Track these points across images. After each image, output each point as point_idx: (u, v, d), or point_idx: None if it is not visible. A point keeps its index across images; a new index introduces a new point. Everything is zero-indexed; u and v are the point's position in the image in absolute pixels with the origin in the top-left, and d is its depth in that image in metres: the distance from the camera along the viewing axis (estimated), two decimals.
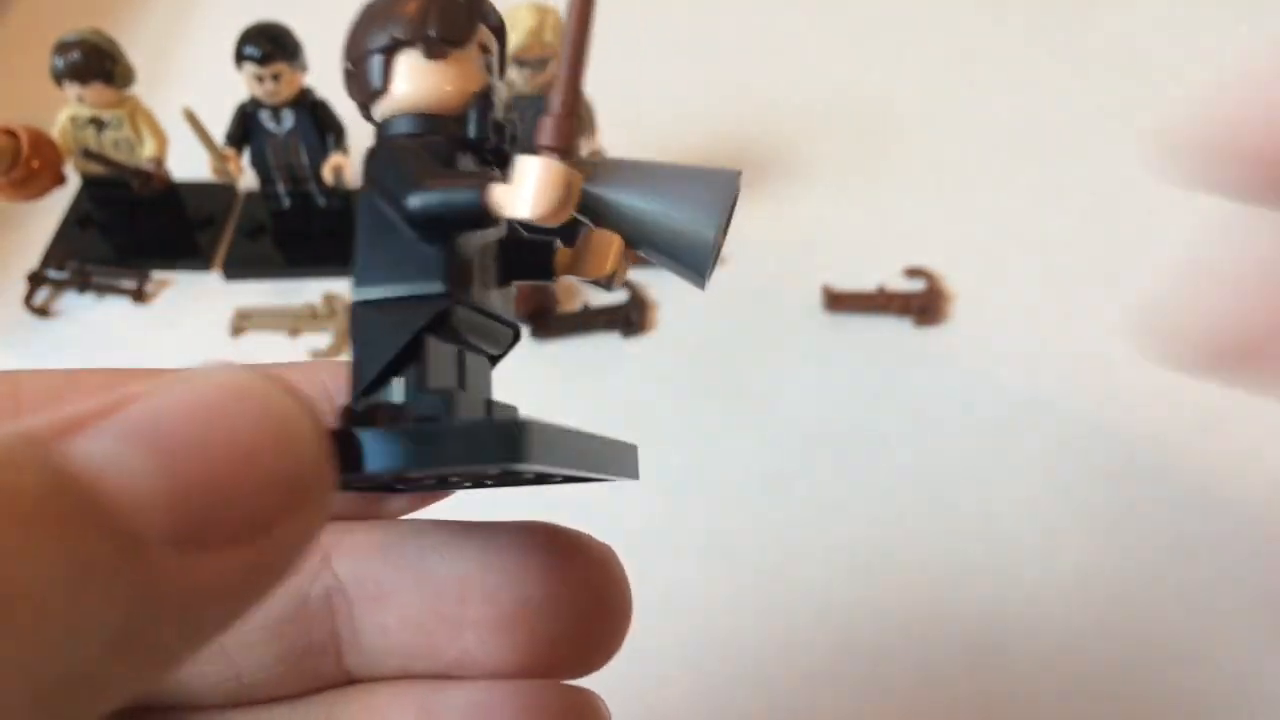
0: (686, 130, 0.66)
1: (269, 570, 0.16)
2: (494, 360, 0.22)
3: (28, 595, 0.13)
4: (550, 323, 0.55)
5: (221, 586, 0.15)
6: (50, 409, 0.16)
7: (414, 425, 0.19)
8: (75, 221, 0.62)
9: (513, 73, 0.54)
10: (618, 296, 0.57)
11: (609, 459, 0.21)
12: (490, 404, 0.20)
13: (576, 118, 0.20)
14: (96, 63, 0.55)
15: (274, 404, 0.16)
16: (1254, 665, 0.42)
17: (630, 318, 0.56)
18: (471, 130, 0.21)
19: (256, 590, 0.16)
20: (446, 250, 0.20)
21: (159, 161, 0.58)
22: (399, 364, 0.20)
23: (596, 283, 0.22)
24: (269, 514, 0.16)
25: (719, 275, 0.59)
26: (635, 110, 0.65)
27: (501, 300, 0.22)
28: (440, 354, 0.20)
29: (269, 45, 0.54)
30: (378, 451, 0.18)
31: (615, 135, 0.59)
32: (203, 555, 0.15)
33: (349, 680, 0.22)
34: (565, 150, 0.20)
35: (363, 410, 0.20)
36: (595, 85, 0.57)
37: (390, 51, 0.22)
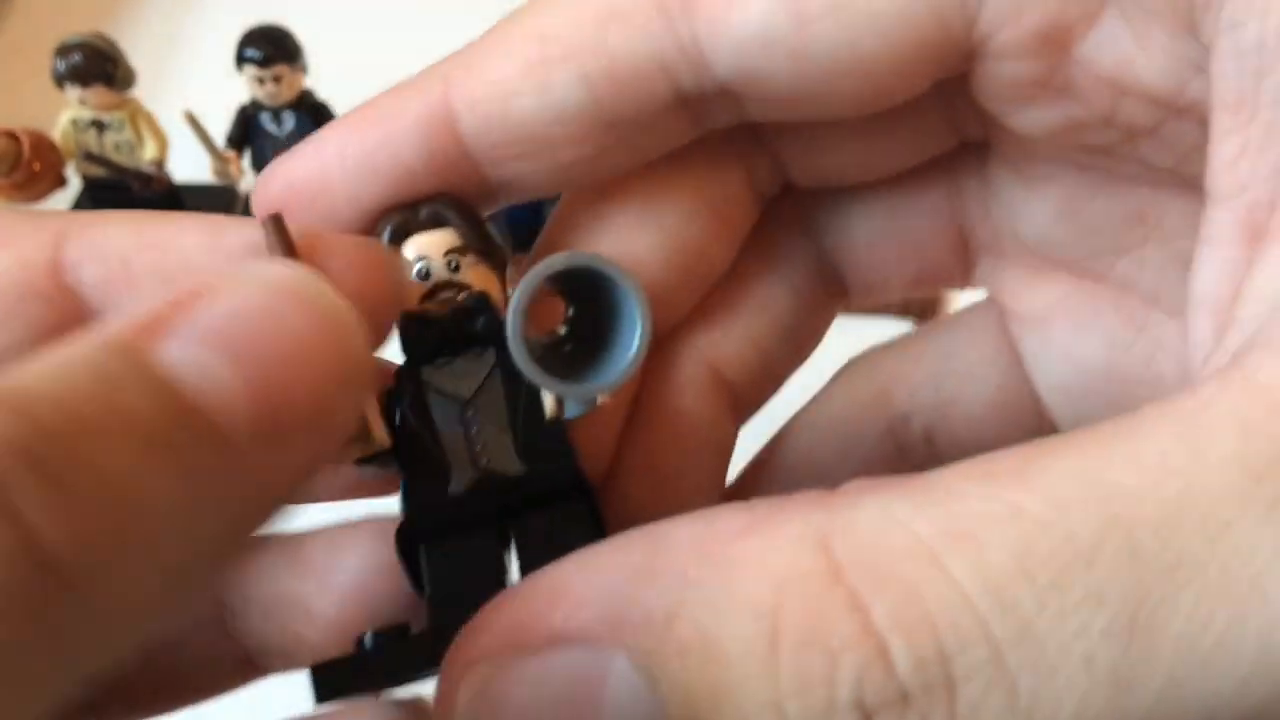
0: None
1: (324, 449, 0.17)
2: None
3: (152, 507, 0.14)
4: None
5: (294, 467, 0.17)
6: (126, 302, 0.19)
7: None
8: None
9: None
10: None
11: None
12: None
13: None
14: (97, 65, 0.55)
15: (324, 304, 0.17)
16: None
17: None
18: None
19: (319, 464, 0.18)
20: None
21: (160, 164, 0.58)
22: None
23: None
24: (329, 401, 0.17)
25: None
26: None
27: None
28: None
29: (269, 47, 0.54)
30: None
31: None
32: (279, 445, 0.16)
33: None
34: None
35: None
36: None
37: None
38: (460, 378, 0.23)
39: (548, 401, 0.22)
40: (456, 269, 0.23)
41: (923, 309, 0.55)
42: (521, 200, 0.24)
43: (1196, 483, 0.16)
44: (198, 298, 0.17)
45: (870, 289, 0.28)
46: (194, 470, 0.15)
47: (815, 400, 0.30)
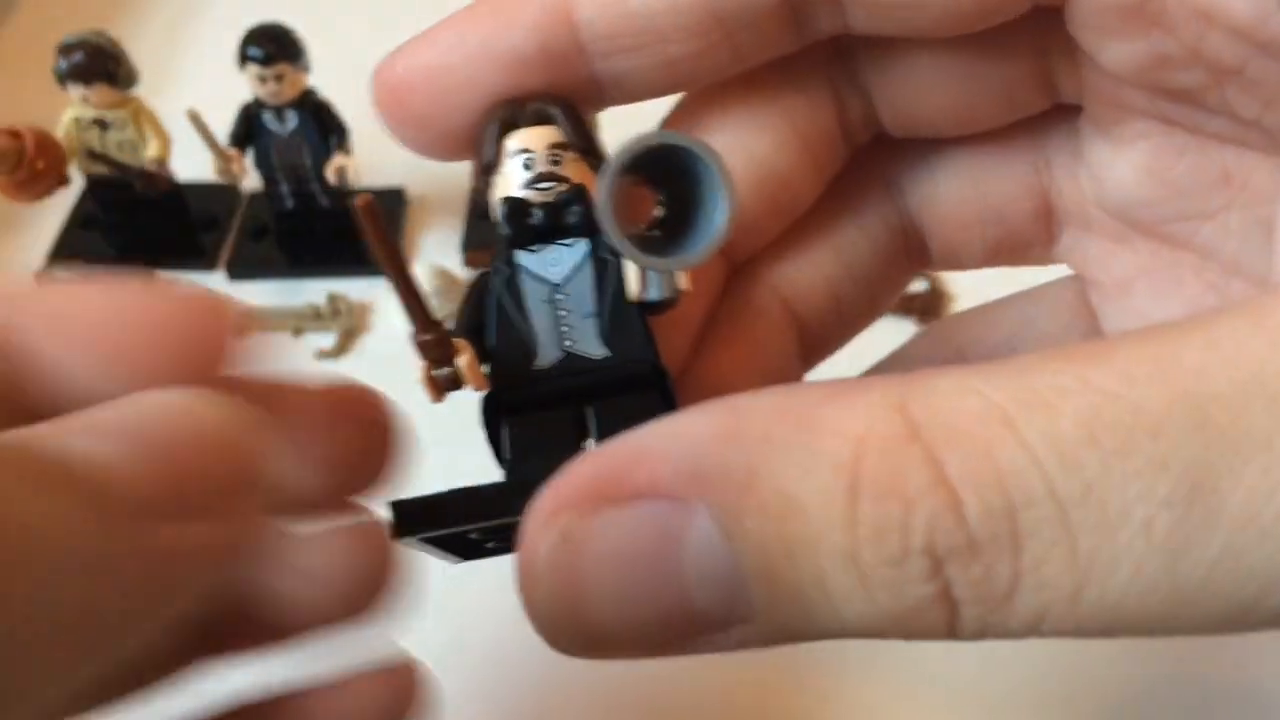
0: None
1: (224, 544, 0.19)
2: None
3: (44, 542, 0.15)
4: None
5: (186, 551, 0.18)
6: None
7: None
8: (79, 222, 0.62)
9: None
10: None
11: None
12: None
13: (433, 332, 0.23)
14: (100, 64, 0.55)
15: (215, 401, 0.19)
16: (1256, 663, 0.42)
17: None
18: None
19: (216, 558, 0.19)
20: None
21: (162, 162, 0.58)
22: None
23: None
24: (222, 490, 0.18)
25: None
26: (642, 110, 0.65)
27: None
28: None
29: (272, 46, 0.54)
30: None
31: (621, 134, 0.59)
32: (170, 524, 0.17)
33: None
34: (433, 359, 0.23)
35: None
36: None
37: None
38: (553, 264, 0.24)
39: (632, 282, 0.23)
40: (558, 163, 0.24)
41: (924, 308, 0.55)
42: (623, 103, 0.25)
43: (1270, 365, 0.16)
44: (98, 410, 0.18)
45: (950, 253, 0.28)
46: (62, 516, 0.16)
47: (890, 357, 0.31)
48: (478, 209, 0.24)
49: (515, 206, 0.24)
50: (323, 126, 0.57)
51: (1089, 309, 0.28)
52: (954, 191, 0.27)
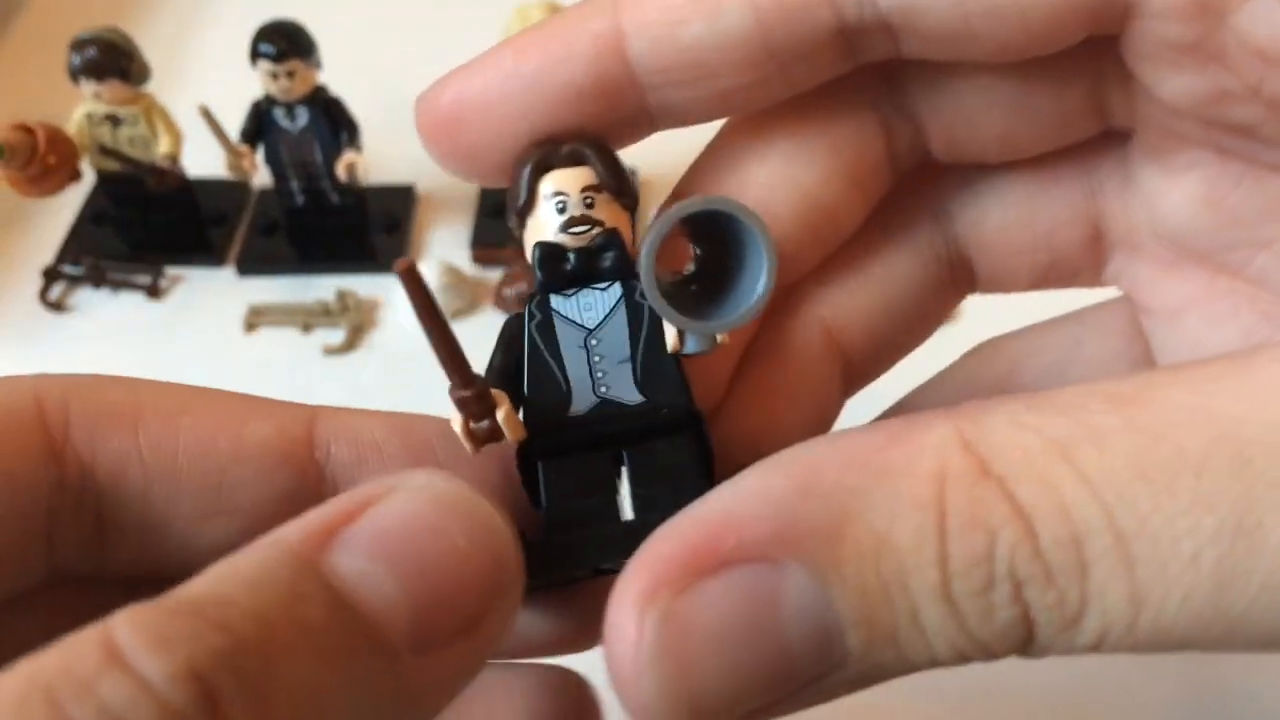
0: (698, 130, 0.66)
1: (481, 654, 0.19)
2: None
3: (329, 710, 0.17)
4: None
5: (448, 674, 0.19)
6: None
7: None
8: (90, 217, 0.62)
9: None
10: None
11: None
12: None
13: (473, 388, 0.22)
14: (113, 60, 0.55)
15: (480, 517, 0.19)
16: (1259, 664, 0.42)
17: None
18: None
19: (473, 670, 0.19)
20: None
21: (174, 158, 0.58)
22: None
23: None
24: (481, 610, 0.19)
25: None
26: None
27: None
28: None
29: (283, 43, 0.54)
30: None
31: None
32: (434, 653, 0.18)
33: None
34: (473, 413, 0.23)
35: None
36: None
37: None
38: (586, 308, 0.24)
39: (670, 335, 0.23)
40: (591, 205, 0.24)
41: None
42: (675, 127, 0.25)
43: None
44: (364, 507, 0.19)
45: (998, 279, 0.28)
46: (363, 677, 0.17)
47: (939, 376, 0.31)
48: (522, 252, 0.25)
49: (550, 251, 0.24)
50: (333, 123, 0.57)
51: (1141, 334, 0.28)
52: (1003, 218, 0.27)
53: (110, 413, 0.24)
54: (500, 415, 0.23)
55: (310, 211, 0.60)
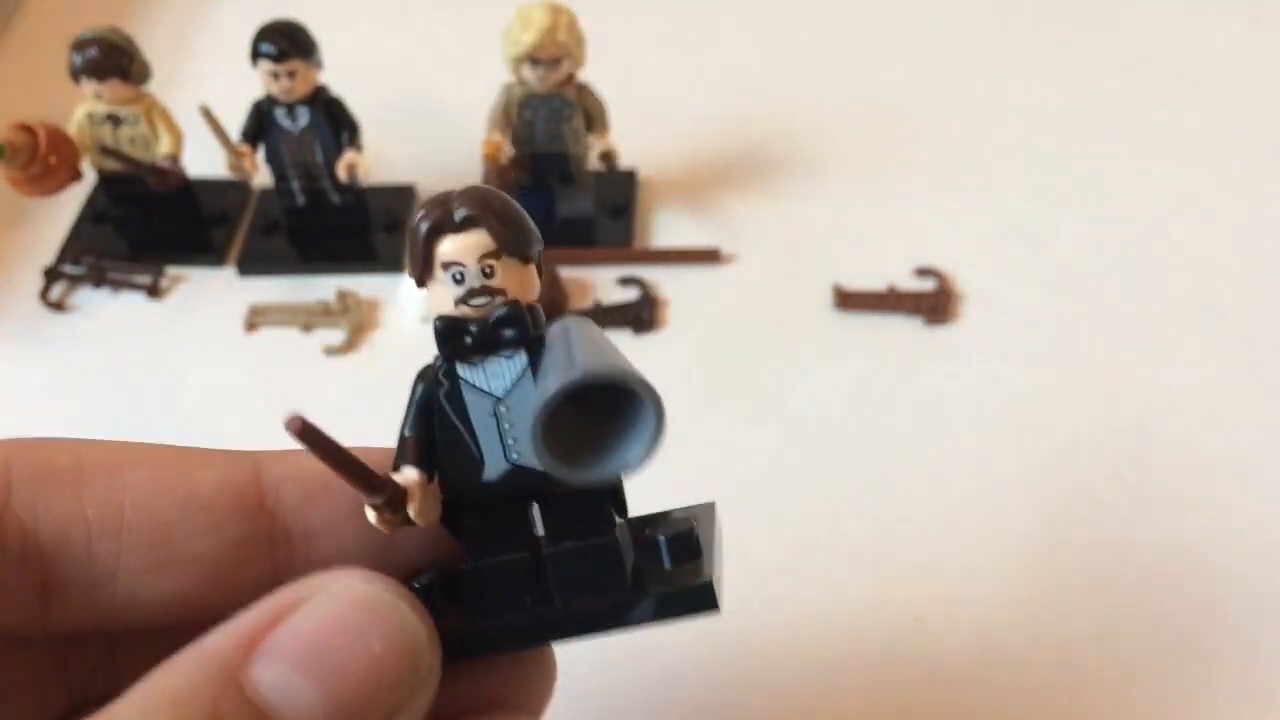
0: (698, 129, 0.67)
1: None
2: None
3: None
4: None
5: None
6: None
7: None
8: (91, 217, 0.62)
9: (526, 72, 0.54)
10: (629, 294, 0.57)
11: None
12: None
13: (384, 494, 0.23)
14: (114, 60, 0.55)
15: (399, 619, 0.21)
16: (1263, 664, 0.42)
17: (641, 315, 0.56)
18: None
19: None
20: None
21: (175, 158, 0.58)
22: None
23: None
24: (396, 708, 0.20)
25: (732, 274, 0.59)
26: (647, 111, 0.66)
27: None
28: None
29: (284, 42, 0.54)
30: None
31: (629, 133, 0.59)
32: None
33: None
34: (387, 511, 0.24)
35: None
36: (608, 84, 0.58)
37: None
38: (494, 375, 0.24)
39: None
40: (490, 274, 0.23)
41: (932, 307, 0.55)
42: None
43: None
44: (286, 613, 0.20)
45: None
46: None
47: None
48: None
49: (450, 326, 0.24)
50: (334, 123, 0.57)
51: None
52: None
53: (52, 473, 0.24)
54: (412, 512, 0.23)
55: (311, 211, 0.60)
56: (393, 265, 0.58)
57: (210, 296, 0.59)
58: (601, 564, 0.25)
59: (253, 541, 0.25)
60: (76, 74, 0.55)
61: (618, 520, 0.25)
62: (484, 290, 0.23)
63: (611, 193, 0.61)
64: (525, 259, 0.24)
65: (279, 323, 0.57)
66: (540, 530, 0.25)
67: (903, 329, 0.55)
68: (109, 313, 0.58)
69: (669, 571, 0.25)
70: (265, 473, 0.26)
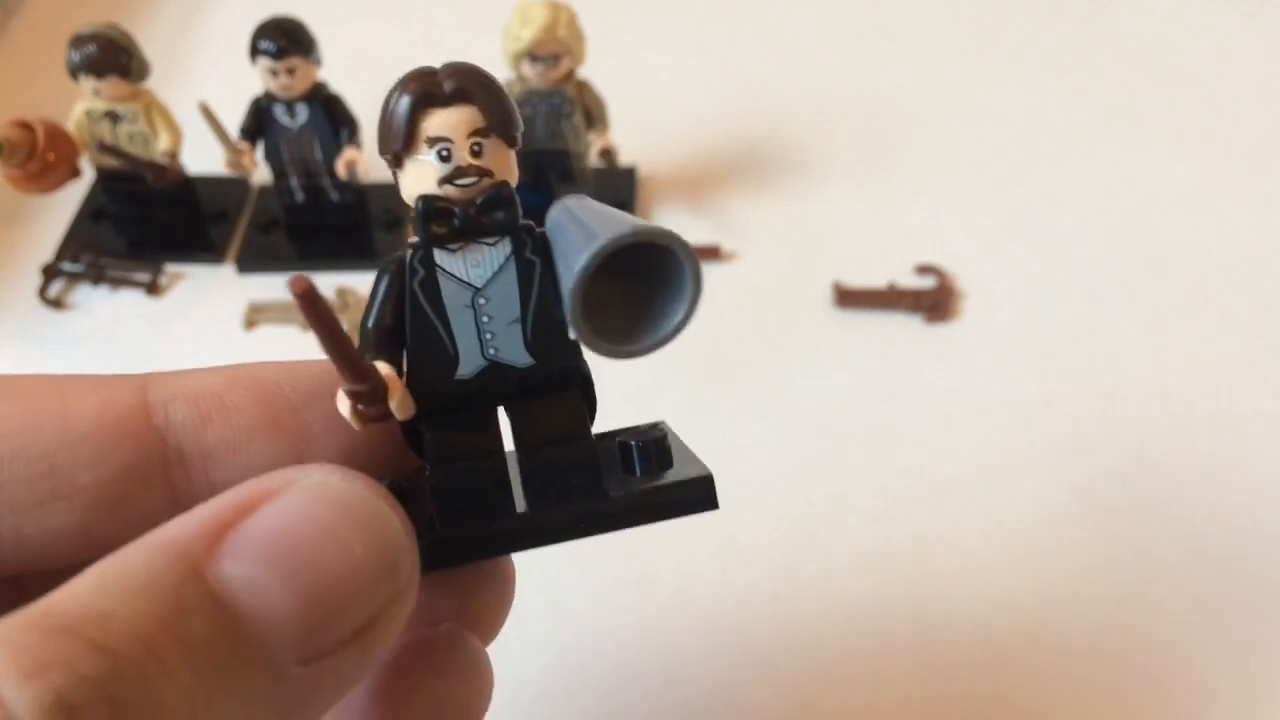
0: (698, 126, 0.66)
1: (370, 659, 0.19)
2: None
3: None
4: None
5: (334, 681, 0.18)
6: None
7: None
8: (90, 214, 0.62)
9: (526, 68, 0.54)
10: None
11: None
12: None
13: (368, 381, 0.21)
14: (112, 57, 0.55)
15: (375, 518, 0.19)
16: (1261, 662, 0.42)
17: None
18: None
19: (360, 676, 0.19)
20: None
21: (174, 155, 0.58)
22: None
23: None
24: (374, 613, 0.19)
25: (732, 271, 0.59)
26: (647, 108, 0.65)
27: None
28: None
29: (283, 40, 0.54)
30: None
31: (628, 133, 0.59)
32: (322, 662, 0.18)
33: None
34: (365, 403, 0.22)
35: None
36: (607, 83, 0.58)
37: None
38: (474, 264, 0.22)
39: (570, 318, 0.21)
40: (479, 152, 0.22)
41: (933, 305, 0.55)
42: None
43: None
44: (255, 506, 0.18)
45: None
46: (246, 695, 0.17)
47: None
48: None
49: (432, 207, 0.22)
50: (333, 120, 0.57)
51: None
52: None
53: None
54: (394, 404, 0.21)
55: (310, 209, 0.60)
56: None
57: (209, 294, 0.59)
58: (582, 468, 0.23)
59: (143, 468, 0.23)
60: (75, 71, 0.55)
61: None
62: (472, 169, 0.22)
63: (611, 190, 0.61)
64: (511, 141, 0.22)
65: (278, 320, 0.57)
66: (509, 435, 0.23)
67: (903, 326, 0.55)
68: (108, 310, 0.58)
69: (642, 478, 0.23)
70: (153, 394, 0.24)
